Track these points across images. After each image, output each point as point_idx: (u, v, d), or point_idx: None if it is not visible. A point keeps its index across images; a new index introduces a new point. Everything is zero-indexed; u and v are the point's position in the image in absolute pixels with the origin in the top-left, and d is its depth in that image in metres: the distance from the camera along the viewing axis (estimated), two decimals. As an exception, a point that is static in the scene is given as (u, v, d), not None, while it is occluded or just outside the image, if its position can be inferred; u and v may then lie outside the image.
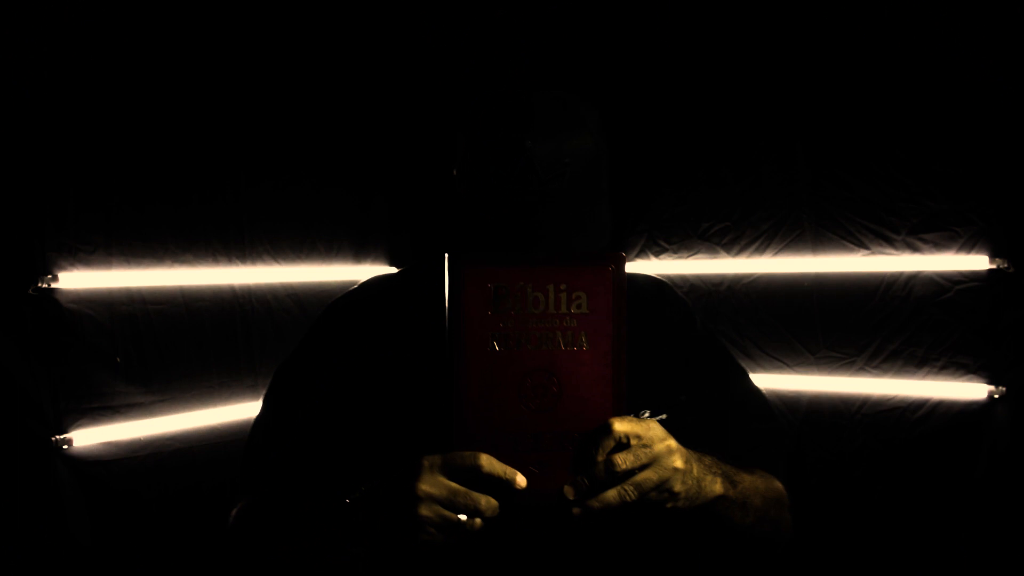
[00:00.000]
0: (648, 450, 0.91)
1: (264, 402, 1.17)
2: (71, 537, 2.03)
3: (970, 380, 2.29)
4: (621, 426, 0.91)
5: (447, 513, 0.89)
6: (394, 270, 1.27)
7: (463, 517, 0.89)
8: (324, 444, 1.09)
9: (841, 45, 2.42)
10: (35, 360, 2.01)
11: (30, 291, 2.00)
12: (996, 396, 2.24)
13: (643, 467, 0.91)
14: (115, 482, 2.12)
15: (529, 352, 0.93)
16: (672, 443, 0.94)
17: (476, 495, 0.89)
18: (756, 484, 1.08)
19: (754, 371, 2.57)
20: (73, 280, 2.08)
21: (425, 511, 0.88)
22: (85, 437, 2.08)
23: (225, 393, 2.38)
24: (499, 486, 0.90)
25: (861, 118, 2.41)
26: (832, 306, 2.48)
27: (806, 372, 2.51)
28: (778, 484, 1.14)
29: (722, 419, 1.06)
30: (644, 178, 2.75)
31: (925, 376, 2.35)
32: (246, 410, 2.40)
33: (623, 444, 0.91)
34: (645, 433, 0.92)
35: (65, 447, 2.04)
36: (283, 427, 1.12)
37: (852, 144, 2.43)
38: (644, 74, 2.70)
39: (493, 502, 0.90)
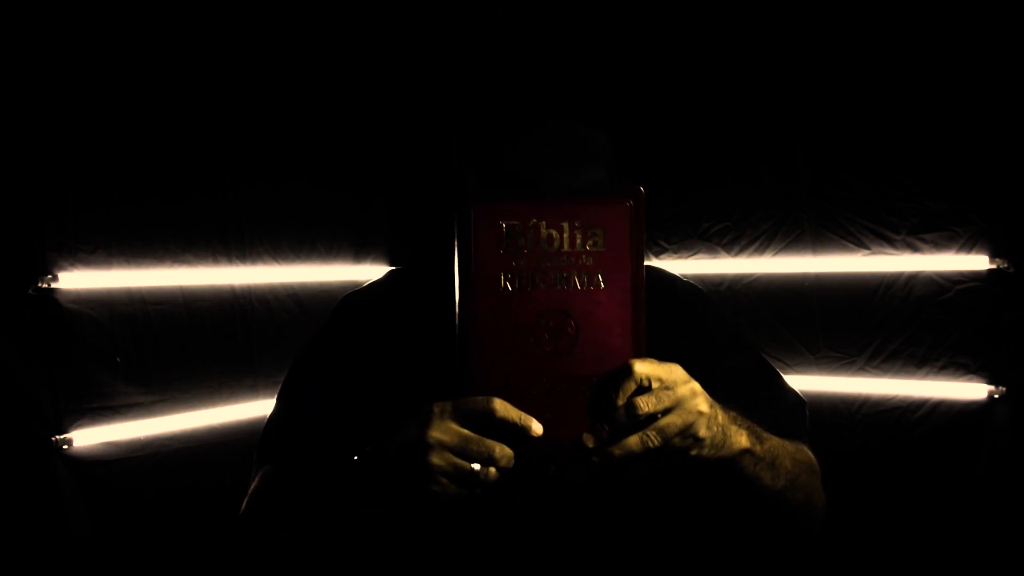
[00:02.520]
0: (671, 392, 0.86)
1: (278, 398, 1.16)
2: (71, 537, 2.03)
3: (970, 380, 2.29)
4: (642, 367, 0.85)
5: (459, 462, 0.83)
6: (405, 268, 1.26)
7: (476, 466, 0.84)
8: (336, 433, 1.07)
9: (841, 45, 2.42)
10: (35, 360, 2.00)
11: (30, 291, 2.00)
12: (996, 396, 2.24)
13: (666, 411, 0.86)
14: (115, 482, 2.12)
15: (543, 292, 0.87)
16: (696, 386, 0.88)
17: (490, 442, 0.83)
18: (785, 446, 1.02)
19: (754, 371, 2.57)
20: (73, 280, 2.08)
21: (436, 459, 0.83)
22: (85, 437, 2.08)
23: (225, 393, 2.38)
24: (513, 433, 0.84)
25: (861, 118, 2.41)
26: (832, 306, 2.48)
27: (806, 372, 2.51)
28: (808, 451, 1.10)
29: (739, 396, 1.02)
30: (644, 178, 2.74)
31: (925, 376, 2.35)
32: (246, 410, 2.40)
33: (644, 387, 0.85)
34: (667, 375, 0.86)
35: (65, 447, 2.04)
36: (298, 416, 1.12)
37: (852, 144, 2.43)
38: (644, 74, 2.70)
39: (508, 450, 0.84)
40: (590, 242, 0.88)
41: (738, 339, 1.21)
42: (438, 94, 2.83)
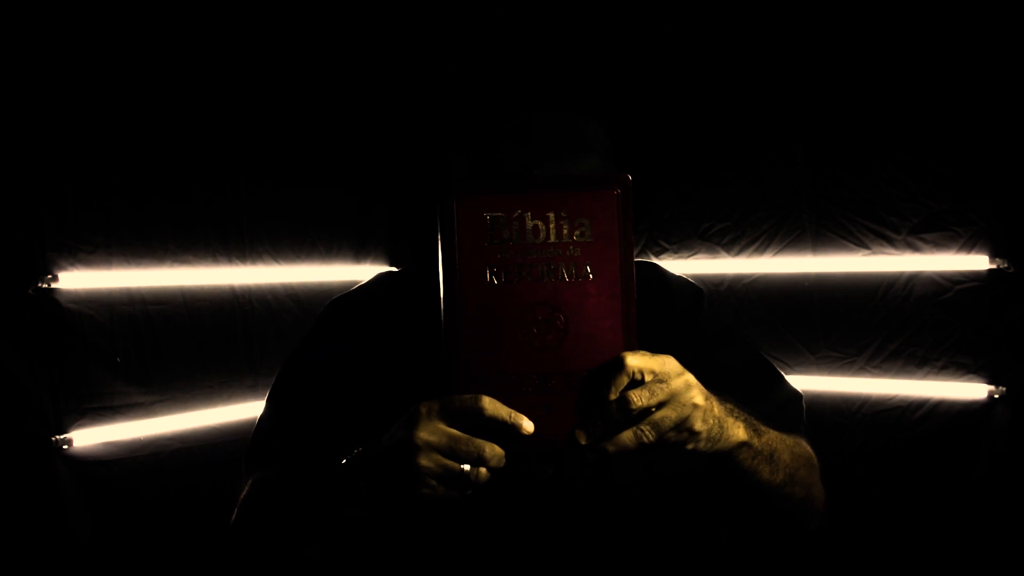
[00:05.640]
0: (665, 386, 0.83)
1: (267, 402, 1.15)
2: (71, 537, 2.03)
3: (970, 380, 2.29)
4: (634, 360, 0.83)
5: (448, 463, 0.81)
6: (395, 270, 1.26)
7: (466, 467, 0.82)
8: (327, 438, 1.06)
9: (841, 45, 2.42)
10: (35, 360, 2.00)
11: (30, 291, 2.00)
12: (996, 396, 2.24)
13: (660, 405, 0.83)
14: (115, 482, 2.12)
15: (530, 285, 0.85)
16: (690, 378, 0.86)
17: (479, 442, 0.81)
18: (784, 439, 1.00)
19: (754, 371, 2.57)
20: (73, 280, 2.08)
21: (424, 461, 0.81)
22: (85, 437, 2.08)
23: (225, 393, 2.38)
24: (504, 432, 0.82)
25: (861, 118, 2.41)
26: (832, 306, 2.48)
27: (806, 372, 2.51)
28: (806, 445, 1.07)
29: (735, 389, 0.99)
30: (644, 178, 2.74)
31: (925, 376, 2.35)
32: (246, 410, 2.40)
33: (637, 380, 0.83)
34: (661, 368, 0.84)
35: (65, 447, 2.04)
36: (285, 422, 1.11)
37: (852, 144, 2.43)
38: (644, 74, 2.70)
39: (498, 450, 0.82)
40: (577, 232, 0.86)
41: (733, 333, 1.19)
42: (440, 95, 2.83)
